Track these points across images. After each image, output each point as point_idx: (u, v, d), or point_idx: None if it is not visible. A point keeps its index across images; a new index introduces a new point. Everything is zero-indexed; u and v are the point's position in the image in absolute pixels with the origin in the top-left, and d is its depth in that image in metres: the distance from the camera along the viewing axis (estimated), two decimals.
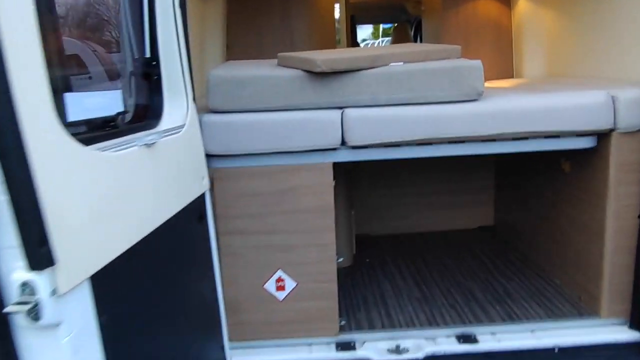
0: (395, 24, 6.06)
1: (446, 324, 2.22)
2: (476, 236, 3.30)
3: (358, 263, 2.97)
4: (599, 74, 2.46)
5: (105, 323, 1.07)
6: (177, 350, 1.48)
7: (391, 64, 1.94)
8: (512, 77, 3.30)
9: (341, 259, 2.11)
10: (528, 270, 2.71)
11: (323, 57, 1.87)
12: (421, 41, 5.68)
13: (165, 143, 1.43)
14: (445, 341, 2.13)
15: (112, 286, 1.13)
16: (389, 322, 2.25)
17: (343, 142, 1.97)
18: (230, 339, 2.12)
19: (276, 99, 1.94)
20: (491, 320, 2.22)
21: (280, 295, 2.10)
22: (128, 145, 1.25)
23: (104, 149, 1.16)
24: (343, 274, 2.80)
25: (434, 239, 3.30)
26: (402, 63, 1.95)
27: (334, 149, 1.99)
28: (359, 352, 2.08)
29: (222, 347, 1.88)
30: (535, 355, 2.07)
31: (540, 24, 3.08)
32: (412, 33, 5.58)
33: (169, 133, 1.49)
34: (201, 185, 1.63)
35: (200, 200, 1.61)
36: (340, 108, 1.97)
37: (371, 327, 2.23)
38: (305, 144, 1.95)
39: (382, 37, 11.72)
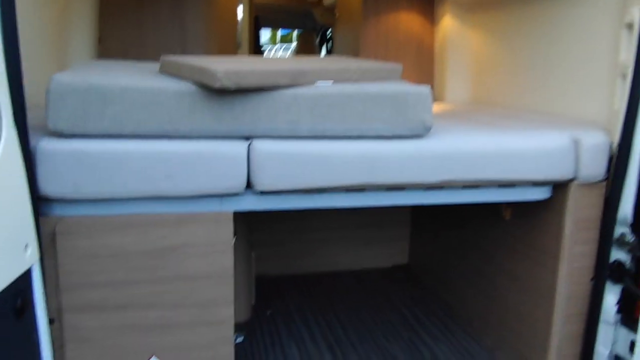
0: (301, 31, 5.62)
1: None
2: (390, 277, 2.92)
3: (257, 317, 2.45)
4: (529, 105, 2.19)
5: None
6: None
7: (318, 82, 1.45)
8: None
9: (240, 339, 1.58)
10: (455, 326, 2.36)
11: (225, 68, 1.33)
12: (328, 53, 5.30)
13: None
14: None
15: None
16: None
17: (249, 185, 1.45)
18: None
19: (155, 122, 1.36)
20: None
21: None
22: None
23: None
24: (237, 333, 2.26)
25: (344, 280, 2.87)
26: (331, 82, 1.47)
27: (236, 194, 1.46)
28: None
29: None
30: None
31: (466, 44, 2.79)
32: (318, 42, 5.19)
33: None
34: (22, 260, 1.02)
35: (19, 284, 1.00)
36: (247, 138, 1.44)
37: None
38: (194, 187, 1.39)
39: (280, 42, 11.18)
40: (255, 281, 2.82)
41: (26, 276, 1.04)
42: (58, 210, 1.37)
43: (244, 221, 2.35)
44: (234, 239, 1.46)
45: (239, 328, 2.31)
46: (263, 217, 2.84)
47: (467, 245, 2.35)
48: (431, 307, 2.55)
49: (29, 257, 1.03)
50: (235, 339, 1.57)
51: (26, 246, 1.02)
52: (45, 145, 1.30)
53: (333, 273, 2.96)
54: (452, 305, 2.54)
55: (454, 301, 2.51)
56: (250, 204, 1.48)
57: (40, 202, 1.35)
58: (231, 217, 1.45)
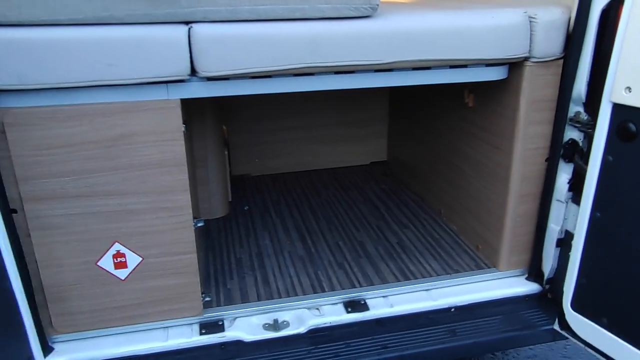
0: None
1: (333, 289, 1.88)
2: (368, 173, 2.98)
3: (235, 212, 2.54)
4: None
5: None
6: None
7: None
8: None
9: (200, 224, 1.65)
10: (424, 215, 2.44)
11: None
12: None
13: None
14: (332, 310, 1.80)
15: None
16: (267, 291, 1.87)
17: (193, 71, 1.45)
18: (57, 332, 1.63)
19: (89, 9, 1.34)
20: (383, 280, 1.92)
21: (122, 273, 1.61)
22: None
23: None
24: (216, 228, 2.36)
25: (321, 178, 2.94)
26: None
27: (182, 81, 1.46)
28: (229, 333, 1.69)
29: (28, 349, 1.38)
30: (431, 318, 1.82)
31: None
32: None
33: None
34: None
35: None
36: (187, 23, 1.42)
37: (244, 298, 1.84)
38: (137, 73, 1.39)
39: None
40: (235, 181, 2.90)
41: None
42: (5, 102, 1.39)
43: (217, 119, 2.37)
44: (184, 127, 1.48)
45: (214, 226, 2.40)
46: (239, 118, 2.86)
47: (436, 137, 2.37)
48: (403, 199, 2.62)
49: None
50: (196, 224, 1.64)
51: None
52: None
53: (312, 171, 3.02)
54: (423, 196, 2.61)
55: (425, 193, 2.57)
56: (197, 91, 1.49)
57: None
58: (179, 104, 1.46)
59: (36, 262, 1.53)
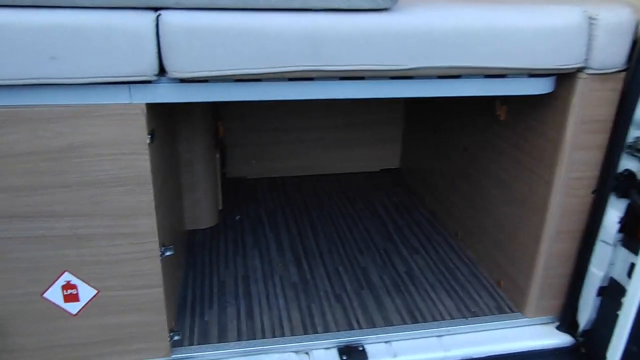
0: None
1: (327, 329, 1.60)
2: (377, 182, 2.68)
3: (224, 222, 2.26)
4: None
5: None
6: None
7: None
8: None
9: (169, 252, 1.37)
10: (437, 237, 2.14)
11: None
12: None
13: None
14: (324, 357, 1.52)
15: None
16: (249, 328, 1.59)
17: (162, 71, 1.15)
18: None
19: None
20: (386, 321, 1.64)
21: (73, 307, 1.34)
22: None
23: None
24: (201, 241, 2.08)
25: (325, 184, 2.64)
26: None
27: (148, 82, 1.17)
28: None
29: None
30: None
31: None
32: None
33: None
34: None
35: None
36: (155, 9, 1.12)
37: (222, 336, 1.56)
38: (86, 71, 1.10)
39: None
40: (229, 184, 2.61)
41: None
42: None
43: (208, 117, 2.08)
44: (149, 139, 1.19)
45: (199, 237, 2.13)
46: (236, 114, 2.56)
47: (458, 149, 2.06)
48: (414, 216, 2.32)
49: None
50: (164, 253, 1.35)
51: None
52: None
53: (315, 177, 2.72)
54: (437, 214, 2.30)
55: (440, 210, 2.27)
56: (167, 94, 1.19)
57: None
58: (143, 110, 1.17)
59: None
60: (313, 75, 1.20)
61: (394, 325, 1.61)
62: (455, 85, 1.28)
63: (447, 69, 1.23)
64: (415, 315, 1.66)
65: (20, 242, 1.24)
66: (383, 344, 1.57)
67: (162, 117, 1.45)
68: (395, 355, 1.52)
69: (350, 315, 1.66)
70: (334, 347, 1.55)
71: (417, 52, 1.19)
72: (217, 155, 2.22)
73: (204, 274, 1.88)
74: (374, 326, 1.61)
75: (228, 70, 1.15)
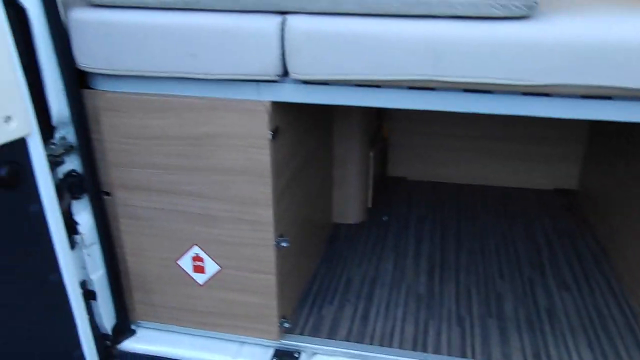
0: None
1: (437, 350, 1.52)
2: (547, 203, 2.41)
3: (371, 221, 2.27)
4: None
5: None
6: None
7: None
8: None
9: (285, 244, 1.44)
10: (599, 275, 1.85)
11: None
12: None
13: None
14: None
15: None
16: (360, 331, 1.60)
17: (286, 72, 1.21)
18: (140, 319, 1.62)
19: None
20: (505, 358, 1.48)
21: (200, 278, 1.50)
22: None
23: None
24: (343, 236, 2.13)
25: (486, 196, 2.47)
26: None
27: (274, 82, 1.24)
28: None
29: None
30: None
31: None
32: None
33: None
34: (2, 131, 1.00)
35: (3, 153, 1.00)
36: (282, 13, 1.18)
37: (332, 333, 1.59)
38: (221, 68, 1.21)
39: None
40: (389, 182, 2.61)
41: (14, 148, 1.03)
42: (103, 85, 1.34)
43: (365, 116, 2.11)
44: (270, 135, 1.27)
45: (341, 232, 2.18)
46: (402, 114, 2.54)
47: None
48: (578, 247, 2.03)
49: (15, 129, 1.02)
50: (280, 243, 1.43)
51: (7, 118, 1.00)
52: (78, 16, 1.24)
53: (477, 187, 2.56)
54: (607, 249, 1.98)
55: (612, 245, 1.95)
56: (290, 94, 1.25)
57: (89, 75, 1.34)
58: (268, 108, 1.25)
59: (123, 247, 1.51)
60: (433, 85, 1.13)
61: None
62: (603, 107, 1.08)
63: (594, 88, 1.04)
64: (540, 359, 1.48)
65: (164, 213, 1.44)
66: None
67: (304, 114, 1.51)
68: None
69: (467, 342, 1.54)
70: None
71: (556, 67, 1.04)
72: (372, 154, 2.24)
73: (335, 269, 1.93)
74: None
75: (347, 75, 1.15)
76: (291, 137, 1.46)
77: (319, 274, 1.90)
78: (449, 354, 1.50)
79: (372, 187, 2.31)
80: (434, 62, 1.09)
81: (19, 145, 1.04)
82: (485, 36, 1.06)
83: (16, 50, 1.02)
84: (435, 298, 1.75)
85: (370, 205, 2.34)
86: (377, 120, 2.47)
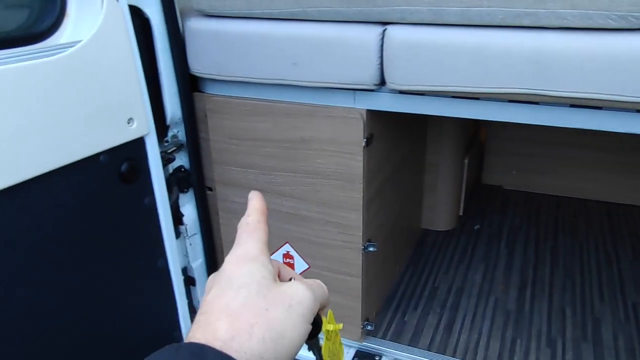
0: None
1: None
2: None
3: (461, 229, 2.23)
4: None
5: None
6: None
7: None
8: None
9: (372, 248, 1.46)
10: None
11: None
12: None
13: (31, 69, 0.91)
14: None
15: None
16: (442, 341, 1.58)
17: (383, 81, 1.22)
18: None
19: (282, 2, 1.24)
20: None
21: None
22: None
23: None
24: (431, 242, 2.12)
25: (588, 212, 2.32)
26: None
27: (370, 91, 1.26)
28: None
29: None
30: None
31: None
32: None
33: (53, 50, 0.97)
34: (124, 131, 1.11)
35: (122, 152, 1.11)
36: (383, 24, 1.19)
37: (414, 340, 1.59)
38: (320, 76, 1.25)
39: None
40: (483, 191, 2.54)
41: (134, 146, 1.14)
42: (210, 89, 1.44)
43: (457, 123, 2.07)
44: (365, 142, 1.29)
45: (429, 238, 2.16)
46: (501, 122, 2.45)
47: None
48: None
49: (135, 129, 1.12)
50: (367, 248, 1.44)
51: (130, 119, 1.11)
52: (192, 25, 1.34)
53: (579, 200, 2.42)
54: None
55: None
56: (386, 103, 1.26)
57: (199, 79, 1.44)
58: (363, 115, 1.27)
59: (221, 239, 1.61)
60: (537, 99, 1.09)
61: None
62: None
63: None
64: None
65: None
66: None
67: (396, 121, 1.52)
68: None
69: None
70: None
71: None
72: (466, 161, 2.19)
73: (421, 275, 1.92)
74: None
75: (445, 86, 1.15)
76: (384, 144, 1.47)
77: (405, 279, 1.89)
78: None
79: (464, 194, 2.26)
80: (539, 75, 1.05)
81: (138, 144, 1.15)
82: (597, 49, 1.00)
83: (140, 57, 1.12)
84: (524, 315, 1.69)
85: (461, 213, 2.29)
86: (475, 125, 2.41)
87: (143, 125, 1.15)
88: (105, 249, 1.13)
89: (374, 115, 1.32)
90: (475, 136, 2.41)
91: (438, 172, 2.12)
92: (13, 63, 0.91)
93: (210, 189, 1.56)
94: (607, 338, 1.57)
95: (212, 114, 1.43)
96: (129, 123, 1.12)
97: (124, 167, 1.14)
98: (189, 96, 1.40)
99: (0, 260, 0.93)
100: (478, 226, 2.25)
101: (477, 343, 1.57)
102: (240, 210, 1.52)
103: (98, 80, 1.04)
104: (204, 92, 1.45)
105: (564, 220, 2.25)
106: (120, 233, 1.17)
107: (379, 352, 1.56)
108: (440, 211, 2.20)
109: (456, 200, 2.22)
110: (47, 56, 0.96)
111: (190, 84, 1.41)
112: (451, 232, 2.21)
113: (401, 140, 1.66)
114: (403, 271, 1.94)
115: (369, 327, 1.57)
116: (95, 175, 1.09)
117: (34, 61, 0.93)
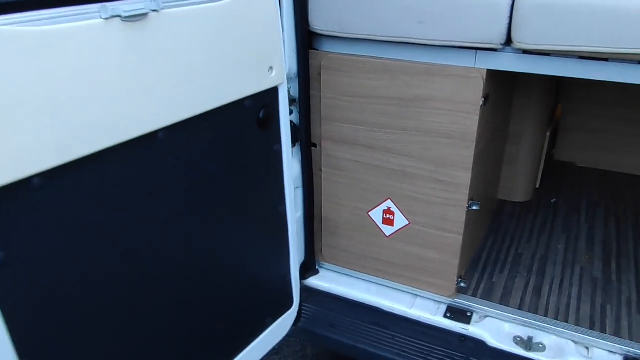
0: None
1: (617, 333, 1.50)
2: None
3: (538, 201, 2.25)
4: None
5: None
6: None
7: None
8: None
9: (475, 207, 1.51)
10: None
11: None
12: None
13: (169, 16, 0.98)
14: (605, 357, 1.45)
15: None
16: (533, 302, 1.63)
17: (508, 41, 1.25)
18: (325, 260, 1.79)
19: None
20: None
21: (388, 230, 1.63)
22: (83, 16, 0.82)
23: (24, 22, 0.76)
24: (510, 213, 2.15)
25: None
26: None
27: (493, 50, 1.29)
28: (474, 329, 1.56)
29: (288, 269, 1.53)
30: None
31: None
32: None
33: None
34: (266, 79, 1.17)
35: (262, 98, 1.17)
36: None
37: (504, 299, 1.64)
38: (445, 35, 1.29)
39: None
40: (554, 168, 2.55)
41: (270, 94, 1.21)
42: (326, 46, 1.49)
43: (545, 95, 2.09)
44: (482, 102, 1.33)
45: (506, 209, 2.19)
46: (578, 96, 2.45)
47: None
48: None
49: (274, 77, 1.19)
50: (471, 206, 1.49)
51: (270, 68, 1.17)
52: None
53: None
54: None
55: None
56: (509, 63, 1.29)
57: (313, 37, 1.50)
58: (483, 75, 1.31)
59: (321, 195, 1.68)
60: None
61: None
62: None
63: None
64: None
65: (364, 166, 1.57)
66: None
67: (501, 85, 1.55)
68: None
69: None
70: (620, 354, 1.45)
71: None
72: (548, 134, 2.20)
73: (503, 242, 1.96)
74: None
75: (574, 46, 1.18)
76: (492, 106, 1.51)
77: (486, 244, 1.94)
78: (632, 339, 1.48)
79: (542, 167, 2.28)
80: None
81: (274, 92, 1.22)
82: None
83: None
84: (612, 284, 1.71)
85: (537, 186, 2.31)
86: (555, 100, 2.41)
87: (280, 75, 1.22)
88: (236, 191, 1.21)
89: (492, 75, 1.35)
90: (554, 112, 2.42)
91: (520, 142, 2.14)
92: (185, 6, 0.98)
93: (315, 145, 1.63)
94: None
95: (326, 71, 1.49)
96: (269, 71, 1.19)
97: (262, 114, 1.21)
98: (306, 53, 1.46)
99: (149, 199, 1.01)
100: (555, 200, 2.27)
101: (568, 306, 1.61)
102: (345, 166, 1.60)
103: (248, 28, 1.11)
104: (318, 50, 1.50)
105: None
106: (250, 177, 1.24)
107: (471, 308, 1.61)
108: (518, 183, 2.22)
109: (534, 173, 2.24)
110: (212, 1, 1.03)
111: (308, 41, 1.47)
112: (528, 204, 2.23)
113: (500, 104, 1.69)
114: (485, 238, 1.98)
115: (462, 284, 1.63)
116: (238, 120, 1.16)
117: (202, 5, 1.00)
